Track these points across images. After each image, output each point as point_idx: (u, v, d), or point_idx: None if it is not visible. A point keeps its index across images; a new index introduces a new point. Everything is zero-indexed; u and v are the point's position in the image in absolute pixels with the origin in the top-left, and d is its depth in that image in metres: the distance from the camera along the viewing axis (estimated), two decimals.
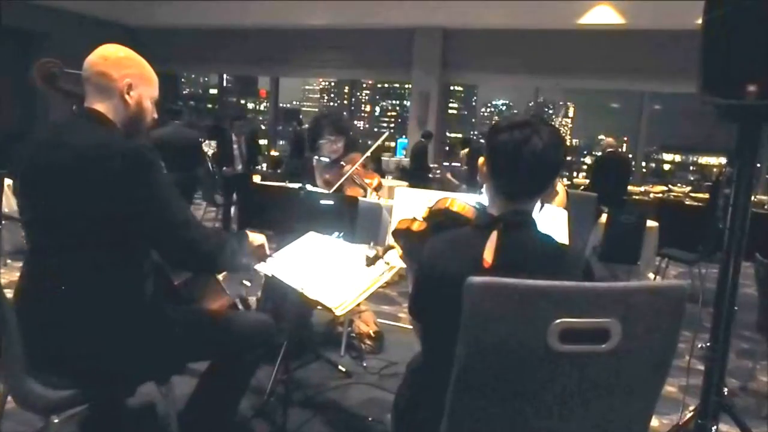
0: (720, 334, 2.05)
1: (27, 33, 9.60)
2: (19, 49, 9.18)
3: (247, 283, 2.27)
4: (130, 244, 1.65)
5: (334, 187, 2.97)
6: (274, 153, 12.29)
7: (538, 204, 1.39)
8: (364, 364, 3.15)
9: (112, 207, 1.56)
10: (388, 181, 7.26)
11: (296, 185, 2.58)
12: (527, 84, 10.53)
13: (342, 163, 3.13)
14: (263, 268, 2.18)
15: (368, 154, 3.16)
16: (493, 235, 1.26)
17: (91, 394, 1.71)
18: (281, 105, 15.91)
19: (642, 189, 9.16)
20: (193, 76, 20.23)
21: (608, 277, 5.66)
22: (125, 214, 1.57)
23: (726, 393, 2.19)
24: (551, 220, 2.12)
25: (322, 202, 2.49)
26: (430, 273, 1.32)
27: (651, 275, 5.79)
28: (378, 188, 3.15)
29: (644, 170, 11.90)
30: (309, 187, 2.55)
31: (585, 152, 16.71)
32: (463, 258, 1.27)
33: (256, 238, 1.96)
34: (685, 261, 5.54)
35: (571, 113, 26.80)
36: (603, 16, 8.23)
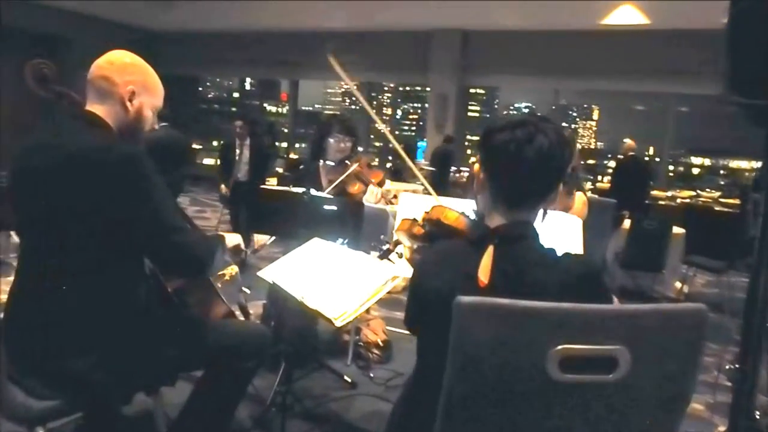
0: (750, 349, 1.90)
1: (51, 38, 9.72)
2: (42, 54, 9.28)
3: (247, 291, 2.19)
4: (121, 249, 1.59)
5: (336, 183, 2.91)
6: (293, 156, 12.29)
7: (541, 212, 1.26)
8: (371, 374, 3.05)
9: (103, 211, 1.51)
10: (403, 185, 7.12)
11: (300, 189, 2.49)
12: (548, 86, 10.33)
13: (347, 162, 3.07)
14: (265, 274, 2.11)
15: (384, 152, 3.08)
16: (489, 251, 1.14)
17: (76, 404, 1.64)
18: (303, 108, 15.96)
19: (669, 194, 8.91)
20: (218, 80, 20.37)
21: (630, 287, 5.51)
22: (117, 218, 1.52)
23: (758, 416, 2.04)
24: (564, 229, 2.00)
25: (326, 207, 2.41)
26: (420, 288, 1.22)
27: (677, 284, 5.61)
28: (381, 184, 3.08)
29: (671, 174, 11.61)
30: (313, 191, 2.46)
31: (609, 156, 16.38)
32: (455, 275, 1.16)
33: (231, 238, 2.03)
34: (713, 269, 5.36)
35: (595, 116, 26.43)
36: (626, 16, 8.02)
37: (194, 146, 13.48)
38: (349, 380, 2.90)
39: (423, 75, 10.17)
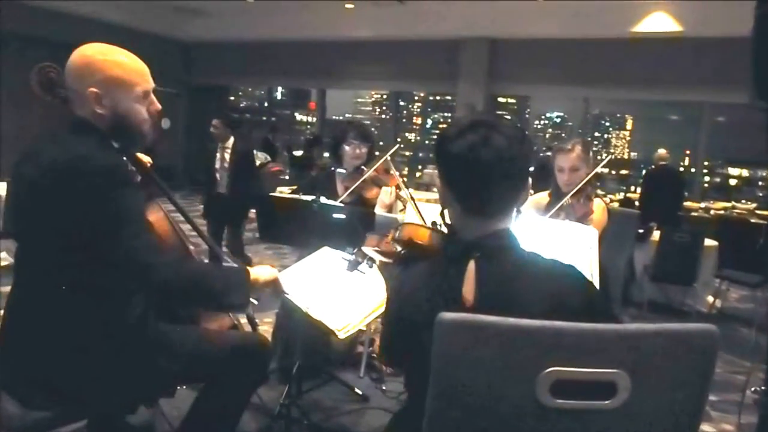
0: None
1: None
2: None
3: (254, 302, 2.15)
4: (102, 264, 1.52)
5: (351, 189, 2.88)
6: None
7: (514, 213, 1.16)
8: (383, 387, 2.98)
9: (75, 223, 1.46)
10: (421, 193, 7.03)
11: (310, 197, 2.45)
12: (578, 95, 10.15)
13: (363, 168, 3.03)
14: (254, 301, 2.06)
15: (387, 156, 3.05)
16: (471, 267, 1.06)
17: (70, 414, 1.62)
18: (333, 117, 16.03)
19: (702, 205, 8.62)
20: (249, 89, 20.65)
21: (660, 300, 5.33)
22: (84, 231, 1.46)
23: None
24: (579, 240, 1.91)
25: (335, 215, 2.36)
26: (398, 316, 1.13)
27: (709, 298, 5.41)
28: (399, 188, 3.02)
29: (706, 185, 11.27)
30: (323, 199, 2.42)
31: (642, 166, 16.03)
32: (437, 296, 1.07)
33: (263, 274, 1.74)
34: (748, 283, 5.15)
35: (628, 126, 25.94)
36: (658, 23, 7.83)
37: None
38: (360, 393, 2.84)
39: (451, 84, 10.10)
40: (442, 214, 1.20)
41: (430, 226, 1.27)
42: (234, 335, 1.92)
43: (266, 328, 3.27)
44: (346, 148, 3.06)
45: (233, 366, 1.79)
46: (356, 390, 2.86)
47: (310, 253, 2.22)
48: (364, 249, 1.62)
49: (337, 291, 2.01)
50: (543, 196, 2.86)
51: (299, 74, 11.68)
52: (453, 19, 8.70)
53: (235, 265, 1.83)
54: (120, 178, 1.49)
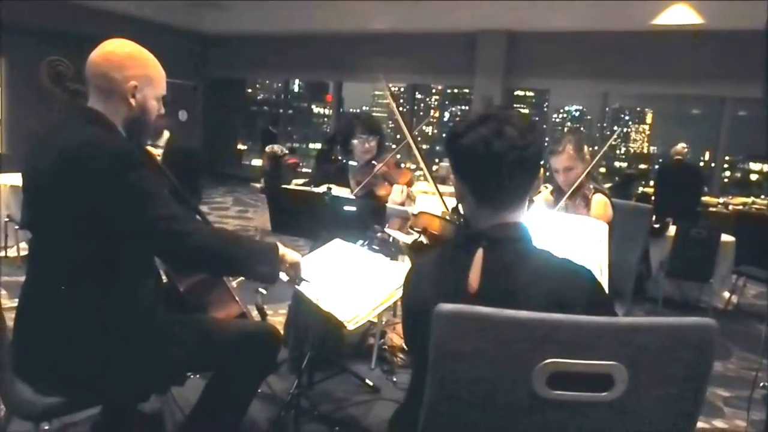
0: None
1: (99, 41, 10.04)
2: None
3: (263, 291, 2.17)
4: (119, 249, 1.57)
5: (362, 184, 2.87)
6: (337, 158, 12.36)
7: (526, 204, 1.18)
8: (394, 379, 2.99)
9: (93, 209, 1.50)
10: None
11: (322, 189, 2.47)
12: (597, 89, 10.03)
13: (374, 162, 3.02)
14: (284, 277, 2.09)
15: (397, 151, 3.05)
16: (478, 255, 1.07)
17: (82, 401, 1.65)
18: (351, 110, 16.04)
19: (721, 201, 8.50)
20: (267, 81, 20.74)
21: (676, 297, 5.28)
22: (106, 215, 1.50)
23: None
24: (588, 234, 1.90)
25: (346, 208, 2.37)
26: (412, 303, 1.16)
27: (726, 294, 5.35)
28: (410, 184, 3.02)
29: (725, 180, 11.10)
30: (334, 191, 2.43)
31: (660, 160, 15.84)
32: (445, 283, 1.10)
33: (292, 255, 1.78)
34: (766, 280, 5.08)
35: (648, 120, 25.61)
36: (679, 15, 7.70)
37: (240, 147, 13.77)
38: (371, 384, 2.86)
39: (468, 77, 10.04)
40: (456, 208, 1.22)
41: (444, 217, 1.30)
42: (243, 324, 1.94)
43: (279, 320, 3.31)
44: (355, 142, 3.05)
45: (242, 354, 1.81)
46: (367, 381, 2.88)
47: (322, 244, 2.24)
48: (389, 230, 1.65)
49: (347, 283, 2.02)
50: (547, 194, 2.85)
51: (316, 67, 11.70)
52: (471, 12, 8.63)
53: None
54: (135, 159, 1.53)
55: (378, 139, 3.09)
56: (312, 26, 10.38)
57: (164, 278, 1.89)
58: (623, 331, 0.85)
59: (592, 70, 9.09)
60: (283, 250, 1.75)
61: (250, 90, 17.55)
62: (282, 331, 3.23)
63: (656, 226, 5.55)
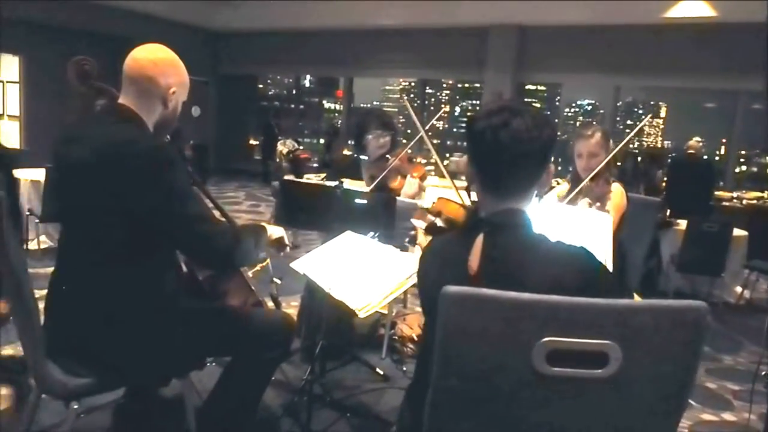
0: None
1: (113, 38, 10.20)
2: (105, 54, 9.77)
3: (278, 281, 2.25)
4: (147, 239, 1.66)
5: (377, 180, 2.94)
6: (346, 152, 12.42)
7: (535, 198, 1.24)
8: (404, 369, 3.06)
9: (128, 203, 1.58)
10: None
11: (333, 183, 2.53)
12: (609, 83, 10.00)
13: (388, 157, 3.09)
14: (297, 266, 2.17)
15: (410, 146, 3.11)
16: (479, 239, 1.13)
17: (108, 383, 1.73)
18: (361, 105, 16.12)
19: (735, 195, 8.46)
20: (279, 77, 20.84)
21: (687, 291, 5.28)
22: (141, 210, 1.58)
23: None
24: (592, 225, 1.95)
25: (357, 201, 2.43)
26: (423, 286, 1.23)
27: (738, 288, 5.34)
28: (423, 178, 3.09)
29: (739, 174, 11.01)
30: (346, 185, 2.50)
31: (673, 154, 15.74)
32: (451, 267, 1.16)
33: (275, 230, 1.98)
34: None
35: (662, 114, 25.40)
36: (692, 8, 7.67)
37: (252, 142, 13.87)
38: (382, 373, 2.93)
39: (479, 72, 10.06)
40: (467, 189, 1.30)
41: (459, 202, 1.37)
42: (259, 312, 2.01)
43: (292, 311, 3.37)
44: (370, 137, 3.12)
45: (258, 341, 1.88)
46: (378, 370, 2.95)
47: (334, 237, 2.31)
48: (413, 221, 1.75)
49: (358, 273, 2.08)
50: (563, 187, 2.89)
51: (326, 62, 11.75)
52: (481, 7, 8.64)
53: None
54: (170, 157, 1.61)
55: (392, 135, 3.16)
56: (322, 22, 10.43)
57: (184, 268, 1.97)
58: (618, 312, 0.90)
59: (603, 64, 9.07)
60: (269, 230, 1.95)
61: (261, 86, 17.62)
62: (296, 320, 3.31)
63: (668, 220, 5.57)
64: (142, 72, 1.70)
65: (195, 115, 12.33)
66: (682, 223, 5.30)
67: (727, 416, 3.01)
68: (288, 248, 2.01)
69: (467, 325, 0.91)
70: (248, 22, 11.12)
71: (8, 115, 11.42)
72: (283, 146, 9.72)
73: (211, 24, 11.66)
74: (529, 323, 0.89)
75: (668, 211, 5.93)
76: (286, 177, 5.76)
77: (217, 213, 2.09)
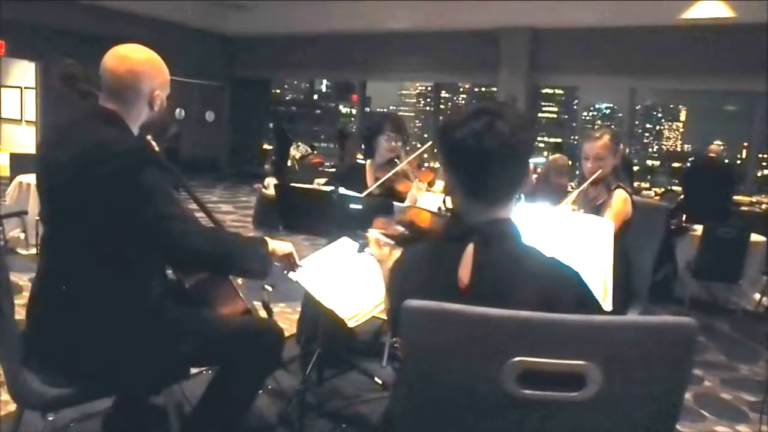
0: None
1: (133, 43, 10.29)
2: None
3: (269, 288, 2.19)
4: (128, 244, 1.61)
5: (380, 180, 2.90)
6: (359, 157, 12.41)
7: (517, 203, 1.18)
8: None
9: (106, 205, 1.54)
10: None
11: (329, 187, 2.48)
12: (625, 86, 9.83)
13: (396, 161, 3.05)
14: (291, 273, 2.12)
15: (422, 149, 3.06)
16: (469, 249, 1.06)
17: (88, 393, 1.69)
18: (378, 109, 16.10)
19: (754, 199, 8.25)
20: (295, 82, 20.98)
21: (704, 298, 5.14)
22: (118, 212, 1.55)
23: None
24: (594, 232, 1.87)
25: (352, 206, 2.38)
26: (400, 298, 1.16)
27: (756, 295, 5.19)
28: (431, 184, 3.04)
29: (760, 178, 10.76)
30: (342, 190, 2.44)
31: (692, 158, 15.47)
32: (436, 277, 1.09)
33: (281, 246, 1.86)
34: None
35: (682, 117, 25.05)
36: (710, 9, 7.49)
37: (266, 146, 13.91)
38: (380, 382, 2.86)
39: (492, 75, 9.96)
40: (445, 200, 1.23)
41: (433, 211, 1.30)
42: (246, 321, 1.96)
43: (294, 317, 3.33)
44: (382, 140, 3.09)
45: (245, 351, 1.83)
46: (376, 379, 2.88)
47: (331, 242, 2.26)
48: (370, 231, 1.66)
49: (351, 280, 2.03)
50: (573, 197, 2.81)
51: (340, 66, 11.75)
52: (494, 9, 8.56)
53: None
54: (147, 157, 1.58)
55: (403, 139, 3.13)
56: (335, 26, 10.42)
57: (172, 274, 1.93)
58: (597, 330, 0.83)
59: (619, 66, 8.91)
60: (272, 245, 1.83)
61: (278, 91, 17.73)
62: (296, 328, 3.26)
63: (683, 225, 5.44)
64: (122, 82, 1.66)
65: (209, 120, 12.42)
66: (698, 229, 5.17)
67: (743, 429, 2.92)
68: (298, 265, 1.92)
69: (432, 342, 0.84)
70: (262, 27, 11.15)
71: (26, 121, 11.61)
72: (296, 150, 9.73)
73: (225, 29, 11.71)
74: (498, 341, 0.82)
75: (684, 216, 5.81)
76: (259, 184, 5.75)
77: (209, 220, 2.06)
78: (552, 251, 1.80)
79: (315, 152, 10.52)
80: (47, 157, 1.67)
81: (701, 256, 5.00)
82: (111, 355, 1.62)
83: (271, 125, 13.49)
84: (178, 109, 11.14)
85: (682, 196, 6.49)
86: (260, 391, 2.66)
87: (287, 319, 3.79)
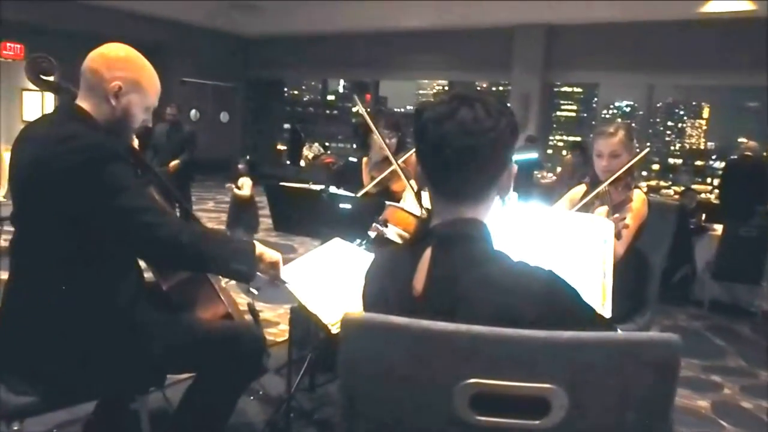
0: None
1: (144, 44, 10.34)
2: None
3: (255, 291, 2.10)
4: (94, 244, 1.54)
5: (376, 180, 2.79)
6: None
7: (498, 201, 1.04)
8: None
9: (68, 202, 1.47)
10: None
11: (319, 187, 2.38)
12: (643, 82, 9.61)
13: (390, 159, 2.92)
14: (263, 276, 2.03)
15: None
16: (426, 254, 0.95)
17: (53, 402, 1.61)
18: (395, 109, 16.04)
19: None
20: (312, 83, 21.04)
21: (725, 300, 4.96)
22: (81, 208, 1.48)
23: None
24: (593, 233, 1.74)
25: (341, 205, 2.28)
26: (363, 303, 1.05)
27: None
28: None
29: None
30: (332, 189, 2.34)
31: (714, 156, 15.12)
32: (393, 284, 0.98)
33: (269, 254, 1.74)
34: None
35: (705, 114, 24.60)
36: (729, 2, 7.27)
37: (280, 147, 13.90)
38: None
39: (507, 73, 9.81)
40: (418, 195, 1.12)
41: (410, 211, 1.18)
42: (224, 325, 1.87)
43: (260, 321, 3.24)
44: (375, 137, 2.97)
45: (221, 357, 1.74)
46: None
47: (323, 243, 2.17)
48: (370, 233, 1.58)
49: (338, 284, 1.93)
50: (578, 190, 2.66)
51: (354, 66, 11.70)
52: (508, 6, 8.41)
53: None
54: (109, 152, 1.49)
55: (398, 137, 3.00)
56: (348, 25, 10.38)
57: (151, 276, 1.85)
58: (560, 349, 0.71)
59: (637, 62, 8.72)
60: (260, 249, 1.71)
61: (297, 92, 17.78)
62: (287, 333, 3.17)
63: (705, 225, 5.27)
64: (89, 64, 1.60)
65: (224, 121, 12.43)
66: (718, 228, 4.99)
67: None
68: (281, 279, 1.79)
69: (373, 360, 0.73)
70: (275, 27, 11.14)
71: None
72: (309, 150, 9.69)
73: (239, 29, 11.73)
74: (447, 359, 0.71)
75: (703, 215, 5.62)
76: (231, 183, 5.71)
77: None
78: (544, 254, 1.69)
79: (328, 152, 10.48)
80: (14, 155, 1.60)
81: (721, 257, 4.85)
82: (77, 360, 1.54)
83: (286, 126, 13.50)
84: (192, 111, 11.17)
85: (714, 197, 6.25)
86: (251, 398, 2.60)
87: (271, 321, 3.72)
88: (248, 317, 2.14)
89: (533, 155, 7.81)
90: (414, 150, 2.70)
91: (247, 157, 5.84)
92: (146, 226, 1.49)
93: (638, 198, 2.44)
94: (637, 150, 2.51)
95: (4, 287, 1.64)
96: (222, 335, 1.78)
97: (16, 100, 7.78)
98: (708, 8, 7.49)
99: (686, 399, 3.14)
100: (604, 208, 2.33)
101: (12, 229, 1.65)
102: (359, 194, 2.69)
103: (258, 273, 1.72)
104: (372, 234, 1.53)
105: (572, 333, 0.72)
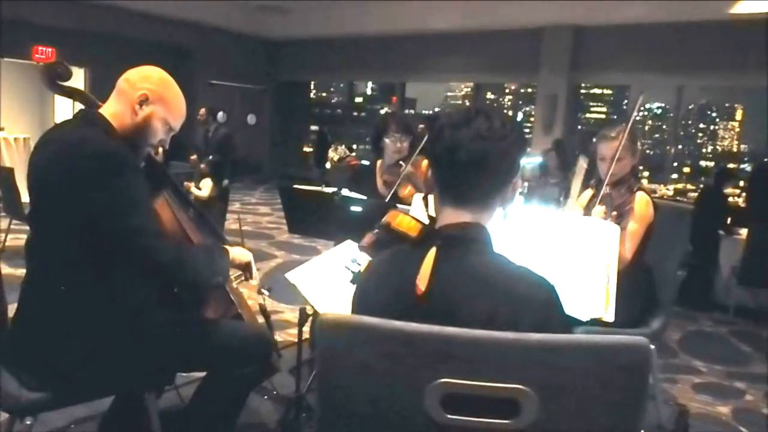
0: None
1: (173, 48, 10.55)
2: (169, 63, 10.12)
3: (266, 293, 2.14)
4: (105, 246, 1.57)
5: (393, 188, 2.78)
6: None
7: (501, 212, 1.08)
8: None
9: (80, 206, 1.51)
10: None
11: (331, 190, 2.42)
12: (672, 84, 9.42)
13: (401, 163, 2.92)
14: (291, 277, 2.07)
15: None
16: (430, 254, 0.98)
17: (64, 399, 1.66)
18: (423, 111, 16.06)
19: None
20: (341, 85, 21.08)
21: (750, 305, 4.84)
22: (87, 214, 1.51)
23: None
24: (599, 237, 1.74)
25: (352, 208, 2.30)
26: (359, 302, 1.07)
27: None
28: None
29: None
30: (344, 192, 2.37)
31: (746, 159, 14.72)
32: (395, 283, 1.01)
33: (240, 254, 1.85)
34: None
35: (738, 116, 23.99)
36: (760, 2, 7.08)
37: (307, 149, 14.01)
38: None
39: (534, 74, 9.72)
40: (425, 199, 1.17)
41: (412, 215, 1.21)
42: (235, 325, 1.90)
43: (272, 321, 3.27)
44: (387, 141, 2.96)
45: (232, 357, 1.78)
46: None
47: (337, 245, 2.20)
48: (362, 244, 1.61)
49: (347, 286, 1.96)
50: (586, 195, 2.65)
51: (381, 68, 11.71)
52: (535, 7, 8.35)
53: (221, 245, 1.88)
54: (119, 161, 1.53)
55: (410, 140, 3.00)
56: (375, 27, 10.40)
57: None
58: (531, 351, 0.72)
59: (666, 64, 8.54)
60: (232, 253, 1.82)
61: (325, 94, 17.91)
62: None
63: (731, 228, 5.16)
64: (125, 75, 1.68)
65: (251, 123, 12.58)
66: (744, 232, 4.88)
67: None
68: (255, 279, 1.91)
69: (347, 359, 0.75)
70: (302, 30, 11.23)
71: None
72: (335, 153, 9.73)
73: (267, 32, 11.86)
74: (419, 359, 0.73)
75: (729, 218, 5.50)
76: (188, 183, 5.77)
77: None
78: (549, 257, 1.69)
79: (353, 154, 10.51)
80: (32, 158, 1.66)
81: (747, 261, 4.74)
82: (89, 358, 1.58)
83: (313, 128, 13.59)
84: (220, 113, 11.35)
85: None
86: (265, 397, 2.64)
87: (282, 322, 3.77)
88: (260, 318, 2.19)
89: (537, 159, 7.80)
90: (418, 152, 2.72)
91: (210, 158, 5.86)
92: (144, 249, 1.54)
93: (641, 200, 2.41)
94: (648, 152, 2.49)
95: (21, 285, 1.70)
96: (230, 336, 1.82)
97: (49, 103, 8.00)
98: (739, 9, 7.32)
99: (707, 405, 3.09)
100: (602, 208, 2.32)
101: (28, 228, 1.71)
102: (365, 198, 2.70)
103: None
104: (365, 243, 1.56)
105: (543, 335, 0.73)
